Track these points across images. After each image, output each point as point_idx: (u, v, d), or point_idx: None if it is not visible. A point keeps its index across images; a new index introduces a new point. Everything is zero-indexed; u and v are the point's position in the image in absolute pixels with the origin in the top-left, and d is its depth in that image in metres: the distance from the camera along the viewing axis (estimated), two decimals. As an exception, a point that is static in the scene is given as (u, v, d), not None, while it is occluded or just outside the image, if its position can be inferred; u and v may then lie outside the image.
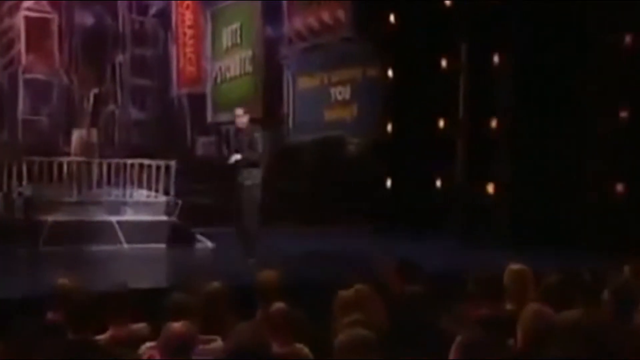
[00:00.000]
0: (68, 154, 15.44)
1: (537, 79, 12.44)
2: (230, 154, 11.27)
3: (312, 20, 17.13)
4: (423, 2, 14.40)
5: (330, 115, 16.96)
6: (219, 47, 20.02)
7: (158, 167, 13.89)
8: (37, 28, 19.64)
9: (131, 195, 13.74)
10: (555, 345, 4.32)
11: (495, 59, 12.91)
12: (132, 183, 13.80)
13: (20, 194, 12.91)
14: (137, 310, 5.71)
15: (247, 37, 19.18)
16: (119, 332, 5.51)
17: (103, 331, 5.51)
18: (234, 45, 19.54)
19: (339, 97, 16.73)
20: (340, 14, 16.40)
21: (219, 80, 20.06)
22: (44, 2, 19.89)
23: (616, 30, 11.71)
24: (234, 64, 19.52)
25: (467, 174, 13.52)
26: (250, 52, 19.06)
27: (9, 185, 13.00)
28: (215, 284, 5.80)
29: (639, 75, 11.45)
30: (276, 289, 5.95)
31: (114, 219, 12.97)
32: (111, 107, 20.29)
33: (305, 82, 17.57)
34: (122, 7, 20.69)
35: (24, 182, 13.05)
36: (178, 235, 12.94)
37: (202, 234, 13.05)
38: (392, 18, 15.05)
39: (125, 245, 12.59)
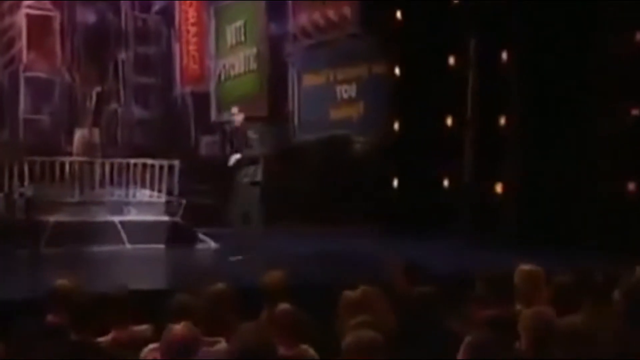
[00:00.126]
0: (70, 154, 15.35)
1: (546, 76, 12.35)
2: (231, 154, 11.31)
3: (317, 17, 17.01)
4: (430, -2, 14.33)
5: (335, 113, 16.85)
6: (223, 45, 19.91)
7: (161, 167, 13.83)
8: (38, 26, 19.57)
9: (134, 196, 13.70)
10: (556, 346, 4.40)
11: (504, 56, 12.84)
12: (135, 183, 13.75)
13: (21, 194, 12.87)
14: (140, 312, 5.69)
15: (251, 34, 19.08)
16: (121, 334, 5.49)
17: (105, 333, 5.48)
18: (238, 42, 19.44)
19: (345, 95, 16.61)
20: (346, 10, 16.28)
21: (222, 78, 19.95)
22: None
23: (626, 27, 11.61)
24: (238, 61, 19.41)
25: (475, 173, 13.43)
26: (254, 50, 18.96)
27: (10, 186, 12.93)
28: (219, 285, 5.74)
29: (650, 72, 11.35)
30: (281, 290, 5.92)
31: (116, 219, 12.92)
32: (114, 105, 20.21)
33: (311, 80, 17.46)
34: (124, 5, 20.62)
35: (26, 182, 13.00)
36: (181, 236, 12.90)
37: (205, 234, 13.00)
38: (398, 14, 14.96)
39: (128, 246, 12.55)
